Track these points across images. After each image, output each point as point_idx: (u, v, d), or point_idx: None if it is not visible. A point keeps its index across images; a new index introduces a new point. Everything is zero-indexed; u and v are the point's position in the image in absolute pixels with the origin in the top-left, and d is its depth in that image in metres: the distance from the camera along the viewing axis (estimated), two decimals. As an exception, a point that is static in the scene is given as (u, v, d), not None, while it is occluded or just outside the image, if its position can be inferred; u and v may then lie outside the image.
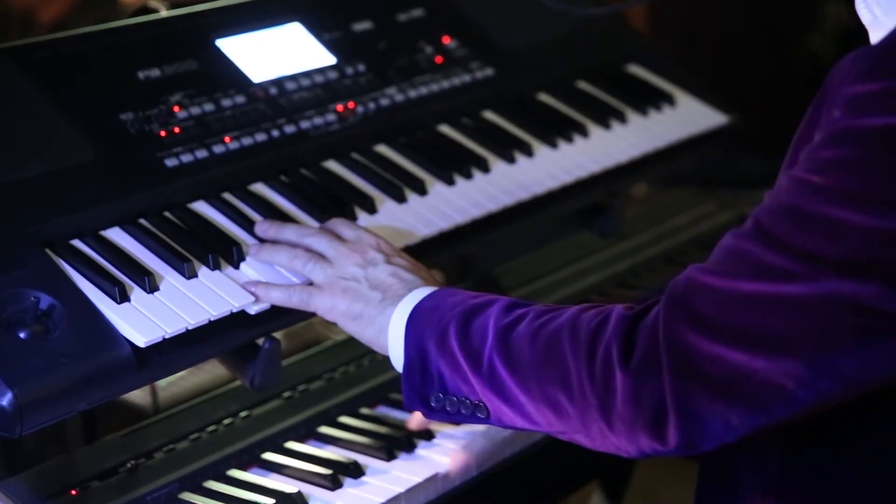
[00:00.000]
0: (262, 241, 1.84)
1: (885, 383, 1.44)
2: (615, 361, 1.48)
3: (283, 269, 1.80)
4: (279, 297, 1.76)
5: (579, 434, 1.55)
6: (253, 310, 1.75)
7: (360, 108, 2.09)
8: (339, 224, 1.84)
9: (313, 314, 1.79)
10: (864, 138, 1.38)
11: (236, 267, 1.79)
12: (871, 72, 1.39)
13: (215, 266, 1.77)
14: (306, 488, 1.78)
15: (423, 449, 1.87)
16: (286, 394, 1.98)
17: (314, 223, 1.89)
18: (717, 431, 1.45)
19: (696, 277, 1.47)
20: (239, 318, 1.75)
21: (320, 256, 1.78)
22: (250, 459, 1.86)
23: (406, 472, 1.82)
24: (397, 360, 1.70)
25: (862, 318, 1.38)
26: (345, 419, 1.95)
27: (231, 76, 2.03)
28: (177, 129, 1.92)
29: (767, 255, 1.42)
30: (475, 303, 1.66)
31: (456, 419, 1.67)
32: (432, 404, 1.67)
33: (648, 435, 1.48)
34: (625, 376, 1.47)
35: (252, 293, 1.75)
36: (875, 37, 1.55)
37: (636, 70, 2.48)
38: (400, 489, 1.78)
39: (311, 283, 1.78)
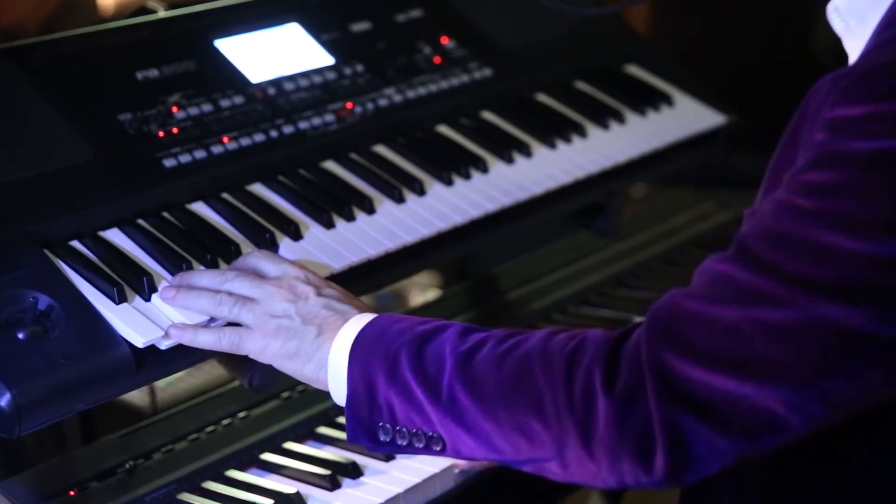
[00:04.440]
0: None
1: (876, 407, 1.41)
2: (598, 387, 1.44)
3: (208, 315, 1.68)
4: (208, 341, 1.66)
5: (552, 462, 1.50)
6: (164, 345, 1.66)
7: (358, 109, 2.09)
8: (259, 260, 1.74)
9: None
10: (850, 162, 1.36)
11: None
12: (850, 96, 1.37)
13: (213, 266, 1.77)
14: (305, 489, 1.78)
15: (421, 449, 1.87)
16: (284, 394, 1.98)
17: (313, 224, 1.89)
18: (705, 458, 1.41)
19: (679, 303, 1.44)
20: (237, 318, 1.75)
21: (246, 299, 1.67)
22: (249, 460, 1.86)
23: (405, 472, 1.81)
24: (339, 396, 1.63)
25: (853, 343, 1.35)
26: (343, 419, 1.94)
27: (229, 77, 2.03)
28: (175, 130, 1.92)
29: (753, 280, 1.39)
30: (425, 329, 1.58)
31: (405, 451, 1.60)
32: (381, 437, 1.59)
33: (633, 462, 1.44)
34: (608, 402, 1.43)
35: (176, 337, 1.65)
36: (848, 45, 1.54)
37: (634, 70, 2.48)
38: (398, 489, 1.78)
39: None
